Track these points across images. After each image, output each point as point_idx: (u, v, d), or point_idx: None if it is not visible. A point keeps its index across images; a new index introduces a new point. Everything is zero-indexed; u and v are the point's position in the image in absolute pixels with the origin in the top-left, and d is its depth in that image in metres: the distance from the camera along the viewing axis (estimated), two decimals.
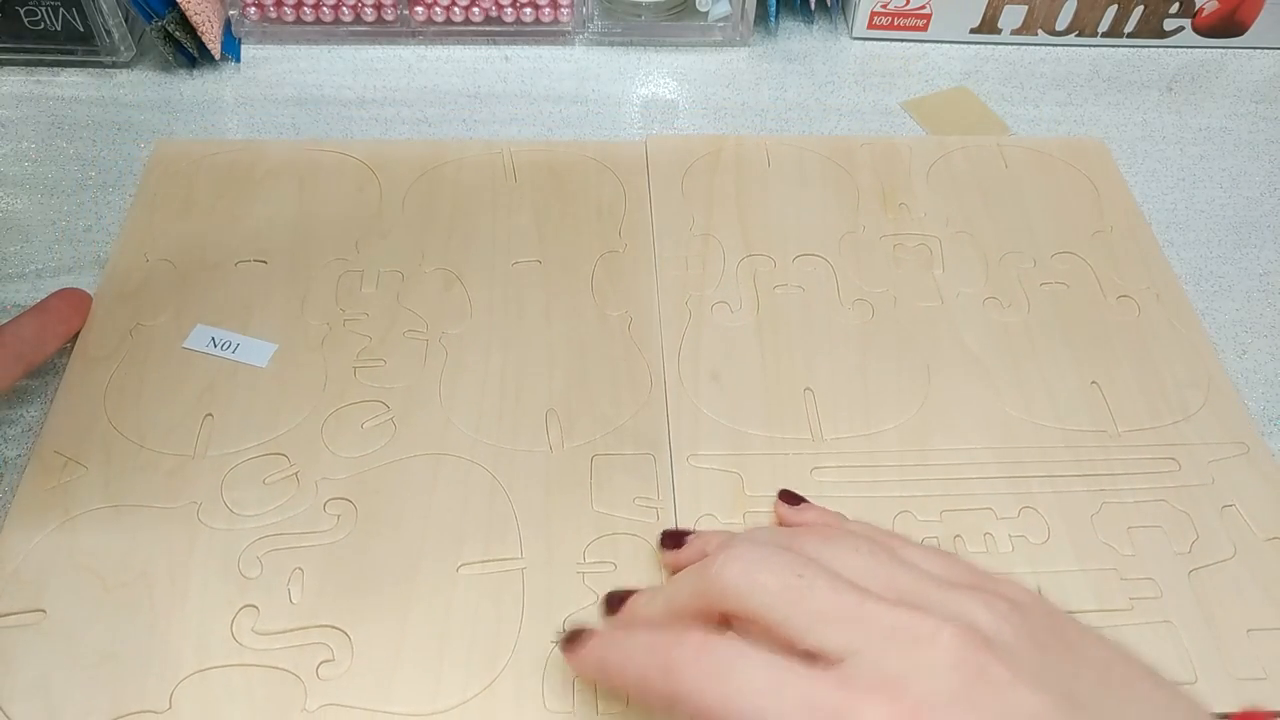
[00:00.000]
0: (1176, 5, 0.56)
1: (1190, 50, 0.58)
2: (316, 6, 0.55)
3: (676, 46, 0.57)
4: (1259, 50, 0.58)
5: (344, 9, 0.55)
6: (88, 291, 0.42)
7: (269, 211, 0.46)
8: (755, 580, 0.27)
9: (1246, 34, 0.58)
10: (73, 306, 0.41)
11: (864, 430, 0.39)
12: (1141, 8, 0.56)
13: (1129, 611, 0.34)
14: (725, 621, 0.28)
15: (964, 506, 0.37)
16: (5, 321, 0.38)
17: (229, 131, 0.51)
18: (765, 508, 0.36)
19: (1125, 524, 0.36)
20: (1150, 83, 0.56)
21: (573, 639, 0.30)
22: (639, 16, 0.56)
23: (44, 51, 0.53)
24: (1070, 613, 0.33)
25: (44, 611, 0.33)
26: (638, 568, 0.35)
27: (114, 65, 0.54)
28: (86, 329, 0.41)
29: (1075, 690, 0.24)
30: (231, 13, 0.55)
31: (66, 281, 0.42)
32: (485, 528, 0.36)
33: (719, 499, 0.37)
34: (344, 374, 0.40)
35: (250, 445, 0.38)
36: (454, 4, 0.55)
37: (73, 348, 0.40)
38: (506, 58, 0.56)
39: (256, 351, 0.40)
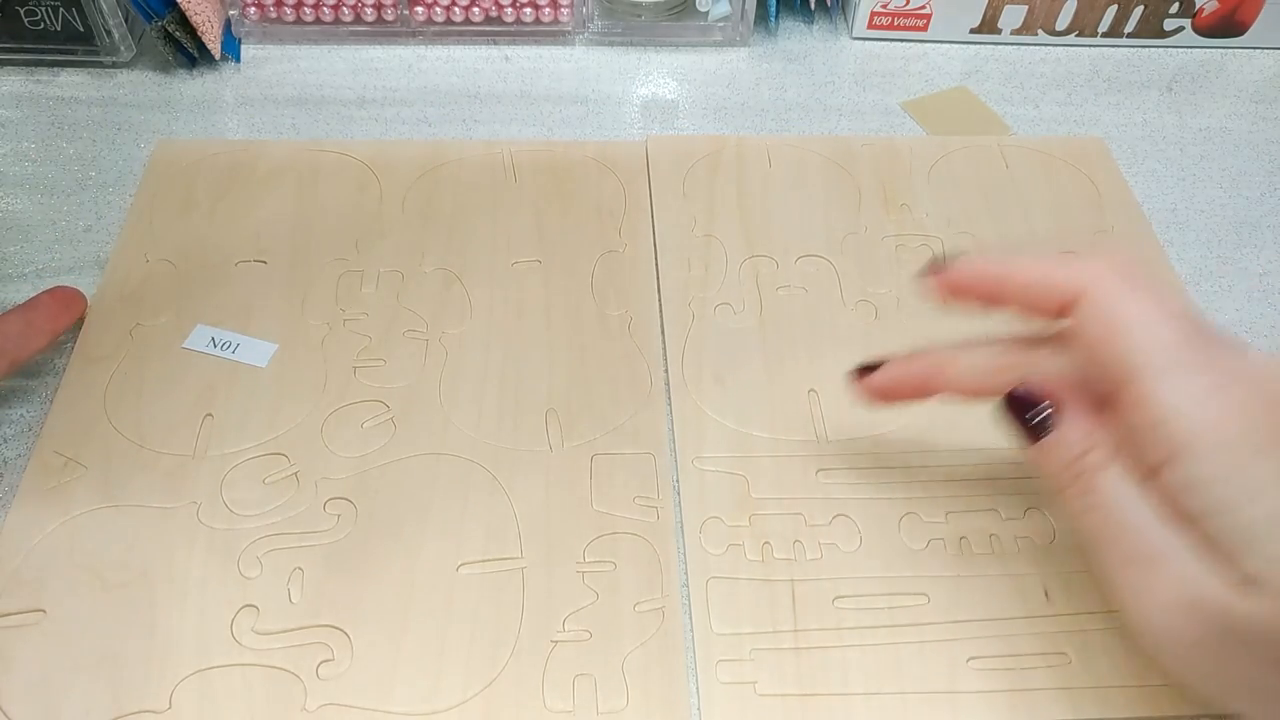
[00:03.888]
0: (1176, 5, 0.56)
1: (1190, 50, 0.58)
2: (316, 6, 0.55)
3: (676, 46, 0.57)
4: (1259, 50, 0.58)
5: (344, 9, 0.55)
6: (80, 290, 0.41)
7: (269, 211, 0.46)
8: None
9: (1246, 34, 0.58)
10: (63, 304, 0.40)
11: (869, 431, 0.39)
12: (1141, 8, 0.56)
13: None
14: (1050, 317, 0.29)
15: (969, 508, 0.37)
16: None
17: (229, 131, 0.51)
18: (772, 509, 0.36)
19: None
20: (1150, 83, 0.56)
21: (866, 370, 0.33)
22: (639, 16, 0.56)
23: (44, 51, 0.53)
24: (1078, 614, 0.33)
25: (44, 611, 0.33)
26: (638, 567, 0.35)
27: (114, 65, 0.54)
28: (86, 329, 0.41)
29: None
30: (231, 13, 0.55)
31: (66, 281, 0.42)
32: (485, 527, 0.36)
33: (725, 501, 0.37)
34: (344, 374, 0.40)
35: (250, 445, 0.37)
36: (454, 4, 0.55)
37: (72, 348, 0.40)
38: (506, 58, 0.56)
39: (256, 351, 0.40)
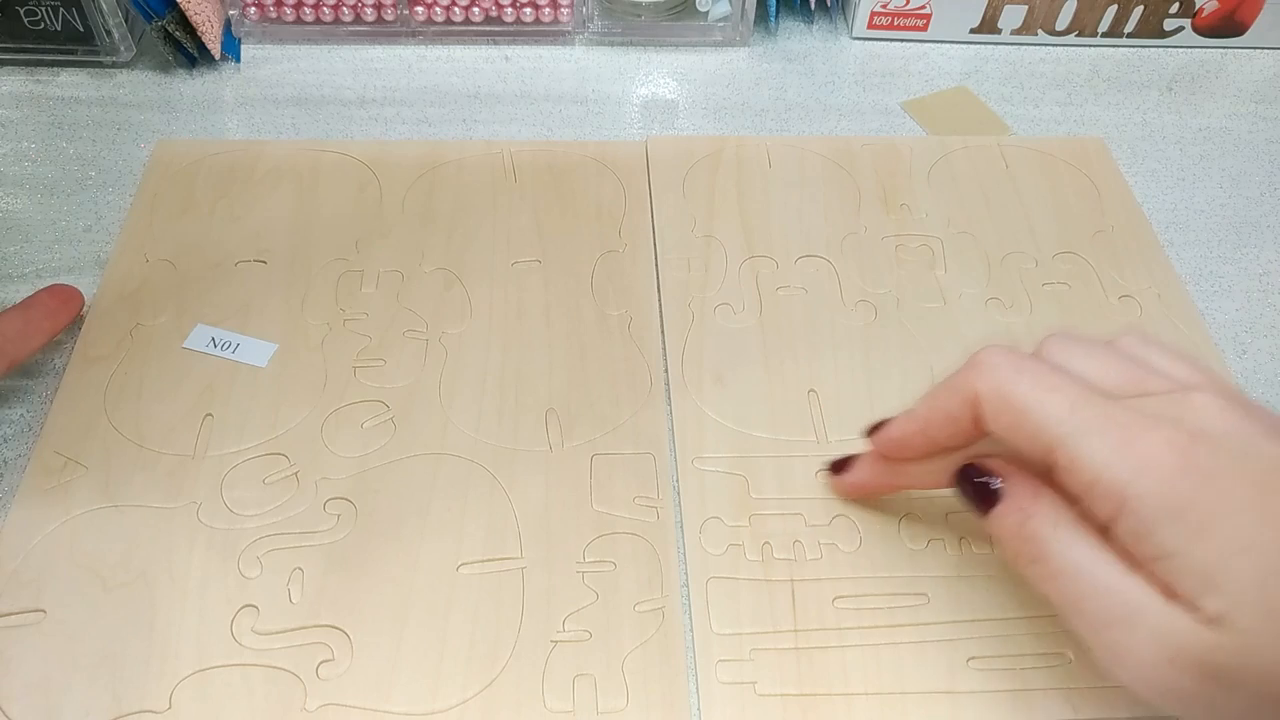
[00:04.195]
0: (1176, 5, 0.56)
1: (1190, 50, 0.58)
2: (316, 6, 0.55)
3: (676, 46, 0.57)
4: (1259, 50, 0.58)
5: (344, 9, 0.55)
6: (78, 288, 0.41)
7: (269, 211, 0.46)
8: (1019, 362, 0.28)
9: (1246, 34, 0.58)
10: (61, 302, 0.40)
11: None
12: (1141, 8, 0.56)
13: None
14: (978, 433, 0.30)
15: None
16: None
17: (229, 131, 0.51)
18: (771, 510, 0.36)
19: None
20: (1150, 83, 0.56)
21: (839, 466, 0.36)
22: (639, 16, 0.56)
23: (44, 51, 0.53)
24: None
25: (44, 611, 0.33)
26: (638, 567, 0.35)
27: (114, 65, 0.54)
28: (86, 329, 0.41)
29: None
30: (231, 13, 0.55)
31: (66, 281, 0.42)
32: (485, 527, 0.36)
33: (724, 502, 0.37)
34: (344, 374, 0.40)
35: (250, 445, 0.37)
36: (454, 4, 0.55)
37: (72, 348, 0.40)
38: (506, 58, 0.56)
39: (256, 351, 0.40)
